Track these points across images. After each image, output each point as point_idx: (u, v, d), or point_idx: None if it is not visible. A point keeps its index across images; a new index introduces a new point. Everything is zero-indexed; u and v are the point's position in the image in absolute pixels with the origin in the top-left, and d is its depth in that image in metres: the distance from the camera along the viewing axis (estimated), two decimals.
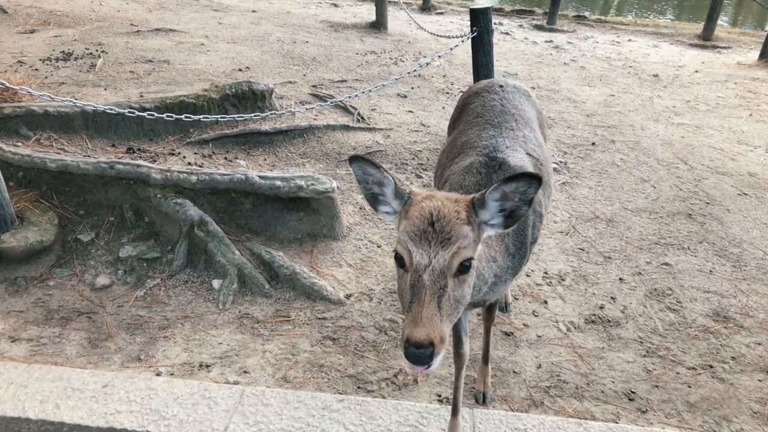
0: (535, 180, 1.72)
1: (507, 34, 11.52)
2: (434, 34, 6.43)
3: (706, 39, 11.90)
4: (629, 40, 11.81)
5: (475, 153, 2.52)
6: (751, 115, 7.18)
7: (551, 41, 11.06)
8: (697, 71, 9.24)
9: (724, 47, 11.42)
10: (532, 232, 2.45)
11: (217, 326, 3.38)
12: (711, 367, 3.18)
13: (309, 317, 3.47)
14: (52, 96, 3.58)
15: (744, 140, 6.34)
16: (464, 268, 1.75)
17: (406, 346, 1.61)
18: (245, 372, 3.05)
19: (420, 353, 1.59)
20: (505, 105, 2.85)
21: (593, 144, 5.99)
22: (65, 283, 3.63)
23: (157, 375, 3.00)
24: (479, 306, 2.54)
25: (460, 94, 7.07)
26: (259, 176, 4.01)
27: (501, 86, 3.03)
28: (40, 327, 3.28)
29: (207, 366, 3.08)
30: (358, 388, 2.97)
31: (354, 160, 1.91)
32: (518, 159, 2.48)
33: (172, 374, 3.02)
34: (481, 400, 2.92)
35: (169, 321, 3.40)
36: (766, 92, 8.12)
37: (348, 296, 3.65)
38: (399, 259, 1.80)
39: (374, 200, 1.98)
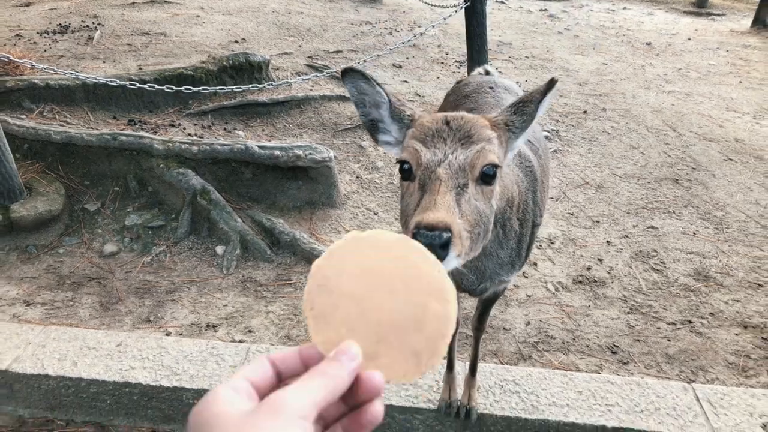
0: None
1: (501, 2, 11.49)
2: (429, 4, 6.47)
3: (701, 6, 11.89)
4: (624, 8, 11.80)
5: None
6: (741, 82, 7.28)
7: (546, 10, 11.05)
8: (689, 39, 9.29)
9: (718, 14, 11.43)
10: (533, 200, 2.24)
11: (222, 290, 3.54)
12: (690, 322, 3.37)
13: None
14: (55, 69, 3.68)
15: (732, 107, 6.46)
16: (488, 177, 1.49)
17: (415, 232, 1.28)
18: (250, 331, 3.22)
19: (432, 235, 1.26)
20: (499, 102, 2.71)
21: (585, 112, 6.10)
22: (74, 251, 3.78)
23: (167, 335, 3.17)
24: (470, 293, 2.30)
25: (455, 63, 7.14)
26: (259, 146, 4.13)
27: (491, 87, 2.85)
28: (53, 292, 3.44)
29: (214, 326, 3.26)
30: None
31: (347, 73, 1.68)
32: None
33: (181, 334, 3.20)
34: (464, 414, 2.63)
35: (175, 285, 3.56)
36: (757, 59, 8.20)
37: None
38: (405, 169, 1.53)
39: (373, 128, 1.74)
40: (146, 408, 2.81)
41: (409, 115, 1.68)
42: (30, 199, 3.82)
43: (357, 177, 4.70)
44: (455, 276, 2.23)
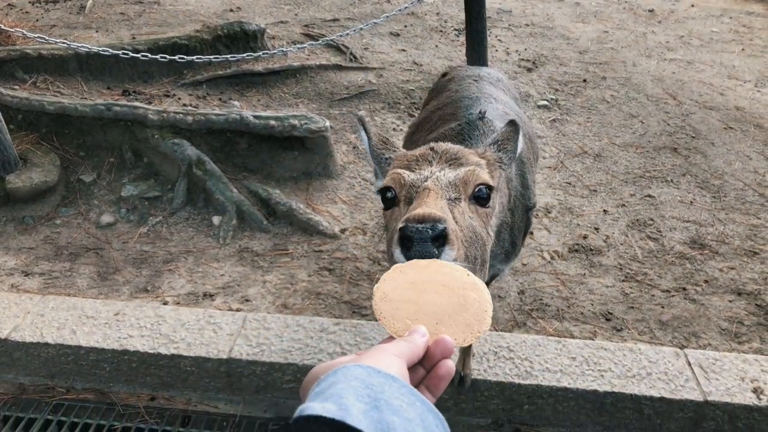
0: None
1: None
2: None
3: None
4: None
5: (457, 117, 2.30)
6: (743, 49, 7.18)
7: None
8: (692, 5, 9.13)
9: None
10: (523, 184, 2.26)
11: (219, 260, 3.55)
12: (684, 289, 3.39)
13: (306, 250, 3.65)
14: (46, 38, 3.63)
15: (734, 75, 6.38)
16: (482, 200, 1.40)
17: (402, 227, 1.14)
18: (247, 300, 3.25)
19: (422, 228, 1.11)
20: (481, 89, 2.66)
21: (584, 81, 6.03)
22: (71, 222, 3.78)
23: (164, 304, 3.19)
24: None
25: (454, 31, 7.05)
26: (254, 116, 4.10)
27: (475, 80, 2.79)
28: (50, 262, 3.46)
29: (211, 295, 3.28)
30: (353, 312, 3.18)
31: (357, 120, 1.78)
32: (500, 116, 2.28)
33: (178, 303, 3.22)
34: (458, 380, 2.67)
35: (172, 255, 3.57)
36: (760, 27, 8.08)
37: (343, 230, 3.82)
38: (388, 198, 1.43)
39: (376, 174, 1.73)
40: (145, 375, 2.85)
41: (387, 158, 1.63)
42: (25, 170, 3.82)
43: (354, 147, 4.67)
44: None
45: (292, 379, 2.77)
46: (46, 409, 2.76)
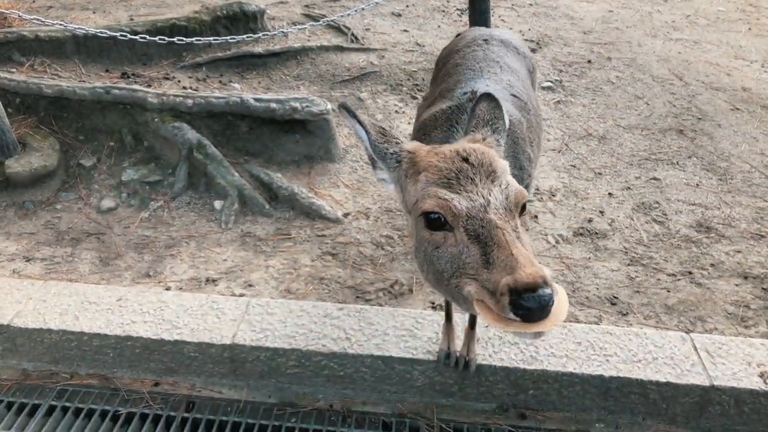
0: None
1: None
2: None
3: None
4: None
5: (451, 96, 2.29)
6: (750, 29, 7.07)
7: None
8: None
9: None
10: (515, 164, 2.23)
11: (221, 244, 3.53)
12: (690, 273, 3.36)
13: (309, 235, 3.62)
14: (43, 19, 3.57)
15: (741, 55, 6.29)
16: (523, 210, 1.48)
17: (517, 296, 1.22)
18: (250, 285, 3.23)
19: (540, 297, 1.20)
20: (488, 54, 2.63)
21: (589, 62, 5.96)
22: (72, 206, 3.76)
23: (167, 289, 3.17)
24: None
25: (457, 11, 6.95)
26: (254, 99, 4.05)
27: (485, 40, 2.76)
28: (52, 247, 3.44)
29: (213, 281, 3.26)
30: (357, 297, 3.16)
31: (340, 110, 1.70)
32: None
33: (181, 289, 3.20)
34: (462, 365, 2.62)
35: (174, 240, 3.55)
36: (767, 5, 7.97)
37: (346, 215, 3.78)
38: (434, 221, 1.41)
39: (373, 161, 1.69)
40: (148, 360, 2.84)
41: (393, 153, 1.60)
42: (24, 155, 3.78)
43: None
44: None
45: (296, 364, 2.76)
46: (50, 394, 2.76)
